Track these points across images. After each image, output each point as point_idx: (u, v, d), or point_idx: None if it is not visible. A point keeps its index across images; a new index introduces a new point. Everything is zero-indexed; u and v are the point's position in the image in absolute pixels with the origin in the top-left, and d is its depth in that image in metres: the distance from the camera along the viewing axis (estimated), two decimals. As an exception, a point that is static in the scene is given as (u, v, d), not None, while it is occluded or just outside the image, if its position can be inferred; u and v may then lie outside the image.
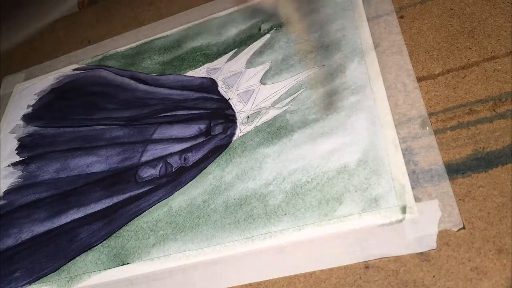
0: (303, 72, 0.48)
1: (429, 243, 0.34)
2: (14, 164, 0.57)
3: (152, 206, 0.45)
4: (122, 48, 0.63)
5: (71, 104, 0.60)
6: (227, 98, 0.50)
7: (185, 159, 0.47)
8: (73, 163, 0.53)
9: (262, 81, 0.49)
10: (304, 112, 0.45)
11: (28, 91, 0.66)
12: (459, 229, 0.33)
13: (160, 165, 0.48)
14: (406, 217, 0.35)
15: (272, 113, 0.46)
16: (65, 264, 0.45)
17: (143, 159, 0.49)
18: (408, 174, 0.37)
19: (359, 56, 0.46)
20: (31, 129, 0.60)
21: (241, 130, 0.47)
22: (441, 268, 0.33)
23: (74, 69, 0.64)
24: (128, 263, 0.43)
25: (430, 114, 0.39)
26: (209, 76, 0.53)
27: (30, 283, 0.46)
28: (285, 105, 0.46)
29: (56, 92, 0.63)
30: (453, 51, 0.42)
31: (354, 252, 0.35)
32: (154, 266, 0.41)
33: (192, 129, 0.49)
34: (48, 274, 0.45)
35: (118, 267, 0.43)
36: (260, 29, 0.54)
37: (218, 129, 0.48)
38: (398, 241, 0.34)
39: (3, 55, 0.74)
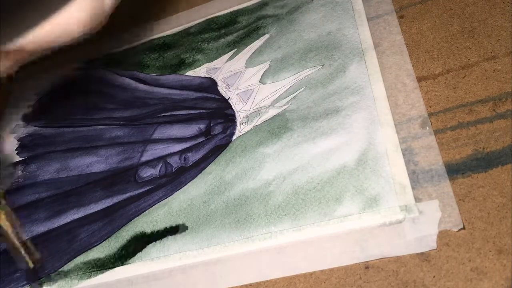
0: (303, 71, 0.48)
1: (429, 243, 0.34)
2: (14, 164, 0.57)
3: (152, 206, 0.45)
4: (122, 48, 0.63)
5: (71, 104, 0.60)
6: (227, 98, 0.50)
7: (185, 159, 0.47)
8: (73, 163, 0.53)
9: (262, 81, 0.49)
10: (304, 111, 0.45)
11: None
12: (459, 230, 0.33)
13: (160, 165, 0.48)
14: (406, 217, 0.35)
15: (272, 112, 0.46)
16: (65, 264, 0.45)
17: (143, 159, 0.49)
18: (408, 174, 0.37)
19: (359, 56, 0.46)
20: (31, 129, 0.60)
21: (240, 130, 0.47)
22: (441, 268, 0.33)
23: (74, 69, 0.64)
24: (128, 263, 0.43)
25: (430, 114, 0.39)
26: (208, 76, 0.53)
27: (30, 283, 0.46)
28: (285, 105, 0.46)
29: (56, 92, 0.63)
30: (453, 51, 0.42)
31: (354, 252, 0.35)
32: (154, 266, 0.41)
33: (192, 129, 0.49)
34: (49, 274, 0.45)
35: (118, 267, 0.43)
36: (260, 28, 0.54)
37: (218, 129, 0.48)
38: (398, 241, 0.34)
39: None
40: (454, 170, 0.36)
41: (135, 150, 0.51)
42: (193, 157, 0.47)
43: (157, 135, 0.51)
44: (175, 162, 0.48)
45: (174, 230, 0.43)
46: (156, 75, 0.57)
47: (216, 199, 0.43)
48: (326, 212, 0.38)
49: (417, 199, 0.35)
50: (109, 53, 0.64)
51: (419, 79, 0.42)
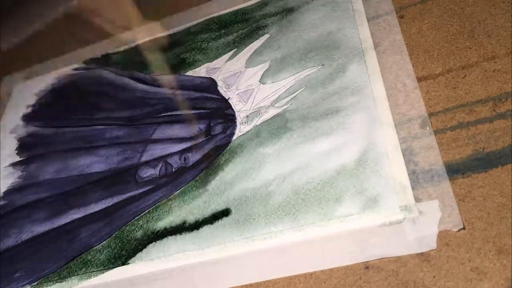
0: (303, 71, 0.48)
1: (429, 243, 0.34)
2: (14, 164, 0.57)
3: (152, 206, 0.45)
4: (122, 48, 0.63)
5: (71, 104, 0.60)
6: (227, 98, 0.50)
7: (185, 159, 0.47)
8: (73, 163, 0.53)
9: (262, 81, 0.49)
10: (304, 111, 0.45)
11: (28, 91, 0.66)
12: (459, 230, 0.33)
13: (160, 165, 0.48)
14: (406, 217, 0.35)
15: (272, 112, 0.46)
16: (65, 264, 0.45)
17: (143, 159, 0.49)
18: (408, 174, 0.37)
19: (359, 56, 0.46)
20: (31, 129, 0.60)
21: (240, 130, 0.47)
22: (441, 268, 0.33)
23: (74, 69, 0.64)
24: (128, 263, 0.43)
25: (430, 114, 0.39)
26: (209, 76, 0.53)
27: (30, 283, 0.46)
28: (285, 105, 0.46)
29: (56, 92, 0.63)
30: (453, 51, 0.42)
31: (354, 252, 0.35)
32: (154, 266, 0.41)
33: (192, 129, 0.49)
34: (49, 274, 0.45)
35: (118, 267, 0.43)
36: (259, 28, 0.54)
37: (218, 129, 0.48)
38: (398, 241, 0.34)
39: (3, 55, 0.74)
40: (454, 170, 0.36)
41: (135, 150, 0.51)
42: (193, 157, 0.47)
43: (157, 135, 0.51)
44: (175, 162, 0.48)
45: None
46: (156, 75, 0.57)
47: (216, 199, 0.43)
48: (326, 212, 0.38)
49: (417, 199, 0.35)
50: (109, 53, 0.64)
51: (419, 79, 0.42)
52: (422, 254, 0.34)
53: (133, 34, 0.64)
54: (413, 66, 0.43)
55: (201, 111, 0.50)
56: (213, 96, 0.51)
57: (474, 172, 0.35)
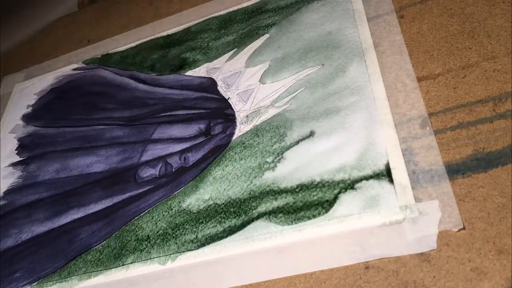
0: (303, 71, 0.48)
1: (429, 244, 0.34)
2: (14, 164, 0.57)
3: (152, 206, 0.45)
4: (122, 48, 0.63)
5: (71, 104, 0.60)
6: (227, 98, 0.50)
7: (185, 159, 0.47)
8: (73, 163, 0.53)
9: (262, 80, 0.49)
10: (304, 111, 0.45)
11: (28, 91, 0.66)
12: (459, 230, 0.33)
13: (160, 165, 0.48)
14: (406, 217, 0.35)
15: (272, 112, 0.46)
16: (65, 264, 0.45)
17: (143, 159, 0.50)
18: (408, 174, 0.37)
19: (359, 55, 0.46)
20: (31, 129, 0.60)
21: (240, 130, 0.47)
22: (441, 268, 0.33)
23: (74, 69, 0.64)
24: (128, 263, 0.43)
25: (430, 114, 0.39)
26: (208, 76, 0.53)
27: (30, 283, 0.46)
28: (285, 104, 0.46)
29: (56, 92, 0.63)
30: (453, 51, 0.42)
31: (354, 252, 0.35)
32: (154, 266, 0.41)
33: (191, 129, 0.49)
34: (49, 274, 0.45)
35: (118, 268, 0.43)
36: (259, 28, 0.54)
37: (217, 129, 0.48)
38: (398, 242, 0.34)
39: (3, 55, 0.74)
40: (454, 170, 0.36)
41: (135, 150, 0.51)
42: (193, 157, 0.47)
43: (157, 135, 0.51)
44: (175, 162, 0.48)
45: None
46: (156, 74, 0.57)
47: (216, 199, 0.43)
48: (326, 212, 0.38)
49: (417, 199, 0.35)
50: (109, 53, 0.64)
51: (419, 79, 0.42)
52: (422, 254, 0.34)
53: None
54: (413, 66, 0.43)
55: (201, 111, 0.50)
56: (213, 96, 0.51)
57: (474, 172, 0.35)
